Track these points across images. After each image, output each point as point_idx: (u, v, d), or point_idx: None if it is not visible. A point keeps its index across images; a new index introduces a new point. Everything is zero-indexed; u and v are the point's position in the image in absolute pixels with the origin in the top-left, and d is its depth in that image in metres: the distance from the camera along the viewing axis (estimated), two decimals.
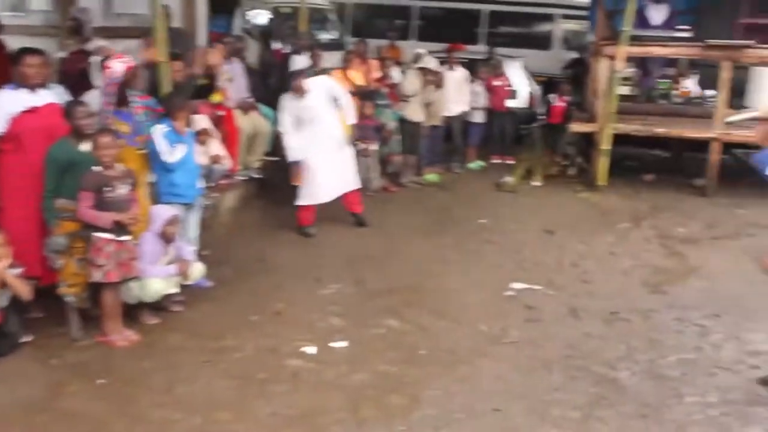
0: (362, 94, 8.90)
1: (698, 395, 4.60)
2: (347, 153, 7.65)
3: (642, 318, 5.75)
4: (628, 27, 9.43)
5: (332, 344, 5.15)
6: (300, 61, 9.43)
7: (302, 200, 7.47)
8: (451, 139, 10.70)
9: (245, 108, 8.21)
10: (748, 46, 9.67)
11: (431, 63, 9.83)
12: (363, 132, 8.77)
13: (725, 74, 9.65)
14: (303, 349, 5.05)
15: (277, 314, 5.62)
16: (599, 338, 5.35)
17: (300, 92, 7.27)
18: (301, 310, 5.70)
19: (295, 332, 5.29)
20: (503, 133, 11.43)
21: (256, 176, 8.48)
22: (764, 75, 11.84)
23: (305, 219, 7.49)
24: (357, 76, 9.08)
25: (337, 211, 7.82)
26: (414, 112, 9.63)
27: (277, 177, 8.99)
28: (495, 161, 11.34)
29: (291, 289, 6.10)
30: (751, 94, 12.01)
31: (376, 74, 9.59)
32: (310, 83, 7.39)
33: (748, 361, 5.07)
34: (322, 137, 7.39)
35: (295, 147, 7.37)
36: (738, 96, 12.03)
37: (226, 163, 7.45)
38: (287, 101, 7.36)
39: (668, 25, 11.04)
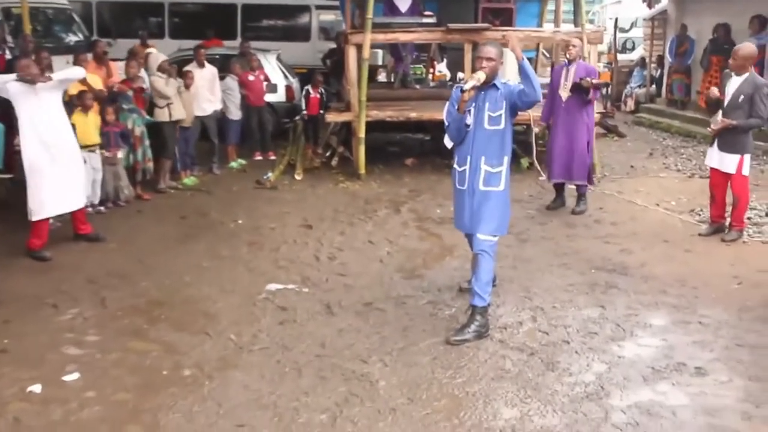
0: (102, 99, 8.28)
1: (448, 378, 4.58)
2: (78, 165, 7.03)
3: (396, 306, 5.70)
4: (371, 15, 9.50)
5: (64, 378, 4.63)
6: None
7: (32, 215, 6.72)
8: (207, 139, 10.28)
9: None
10: (487, 29, 10.07)
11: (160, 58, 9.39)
12: (107, 138, 8.19)
13: (468, 56, 9.99)
14: (29, 388, 4.48)
15: (1, 353, 4.98)
16: (353, 332, 5.22)
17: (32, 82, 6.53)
18: (32, 344, 5.09)
19: (21, 371, 4.70)
20: (263, 129, 11.20)
21: None
22: (508, 55, 12.43)
23: (35, 242, 6.77)
24: (95, 80, 8.41)
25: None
26: (164, 115, 9.12)
27: (10, 197, 8.21)
28: (257, 158, 11.10)
29: (22, 322, 5.46)
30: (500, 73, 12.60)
31: (117, 77, 8.98)
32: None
33: (496, 336, 5.16)
34: (51, 143, 6.72)
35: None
36: None
37: None
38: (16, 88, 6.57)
39: (414, 11, 11.28)
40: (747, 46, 7.08)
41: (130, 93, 8.86)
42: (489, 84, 5.07)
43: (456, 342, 5.02)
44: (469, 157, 5.18)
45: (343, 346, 5.01)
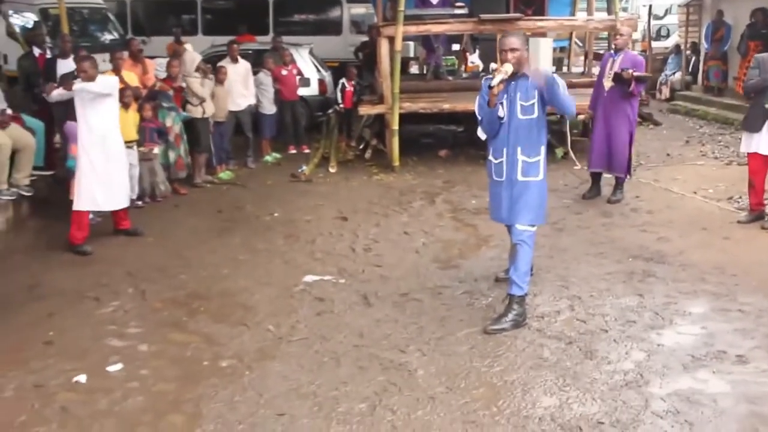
0: (140, 96, 8.39)
1: (486, 367, 4.58)
2: (125, 166, 7.15)
3: (432, 296, 5.72)
4: (402, 7, 9.50)
5: (107, 368, 4.72)
6: (66, 66, 8.74)
7: (80, 204, 6.83)
8: (242, 134, 10.37)
9: (2, 121, 7.46)
10: (519, 19, 10.01)
11: (196, 58, 9.49)
12: (144, 135, 8.30)
13: None
14: (75, 379, 4.58)
15: (47, 345, 5.09)
16: (390, 323, 5.25)
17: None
18: (75, 336, 5.19)
19: (66, 362, 4.80)
20: (296, 123, 11.25)
21: (27, 194, 7.77)
22: (541, 44, 12.38)
23: (77, 236, 6.87)
24: (131, 77, 8.51)
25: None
26: (197, 111, 9.21)
27: (51, 193, 8.35)
28: (291, 152, 11.16)
29: (65, 315, 5.56)
30: (532, 62, 12.55)
31: (152, 74, 9.08)
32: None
33: (534, 325, 5.15)
34: (104, 143, 6.84)
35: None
36: None
37: None
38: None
39: (445, 2, 11.26)
40: None
41: (171, 92, 8.97)
42: (518, 74, 5.03)
43: (493, 331, 5.02)
44: (505, 149, 5.15)
45: (381, 336, 5.04)
